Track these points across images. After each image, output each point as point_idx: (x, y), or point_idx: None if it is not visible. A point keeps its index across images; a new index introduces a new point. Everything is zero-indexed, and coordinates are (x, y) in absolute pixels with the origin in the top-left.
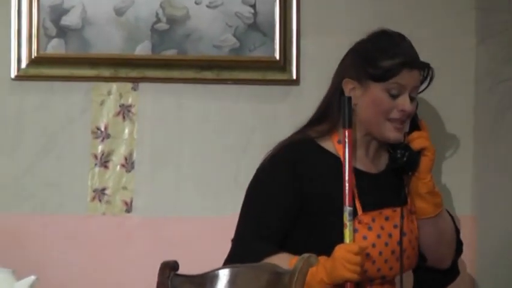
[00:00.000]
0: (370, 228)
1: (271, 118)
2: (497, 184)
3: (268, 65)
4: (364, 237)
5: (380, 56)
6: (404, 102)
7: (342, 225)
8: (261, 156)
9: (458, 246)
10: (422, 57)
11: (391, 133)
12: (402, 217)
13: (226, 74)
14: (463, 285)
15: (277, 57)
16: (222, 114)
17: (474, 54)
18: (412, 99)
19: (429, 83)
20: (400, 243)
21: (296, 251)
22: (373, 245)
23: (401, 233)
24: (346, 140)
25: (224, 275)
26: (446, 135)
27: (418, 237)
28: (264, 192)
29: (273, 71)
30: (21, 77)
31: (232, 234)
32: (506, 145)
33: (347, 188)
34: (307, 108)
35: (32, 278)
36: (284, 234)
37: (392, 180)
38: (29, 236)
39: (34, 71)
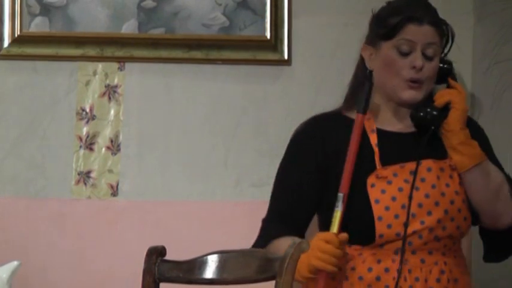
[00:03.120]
0: (389, 183)
1: (262, 99)
2: None
3: (259, 44)
4: (383, 191)
5: (388, 14)
6: (415, 58)
7: (363, 184)
8: (252, 139)
9: None
10: None
11: (405, 92)
12: (417, 167)
13: (215, 54)
14: None
15: (268, 36)
16: (211, 95)
17: (471, 34)
18: (429, 58)
19: (450, 42)
20: (410, 197)
21: (325, 222)
22: (393, 198)
23: (413, 184)
24: (356, 125)
25: (213, 261)
26: None
27: (466, 194)
28: (286, 169)
29: (264, 51)
30: (3, 56)
31: (221, 219)
32: (503, 126)
33: (347, 174)
34: (299, 89)
35: (15, 263)
36: (306, 210)
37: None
38: (11, 219)
39: (17, 50)
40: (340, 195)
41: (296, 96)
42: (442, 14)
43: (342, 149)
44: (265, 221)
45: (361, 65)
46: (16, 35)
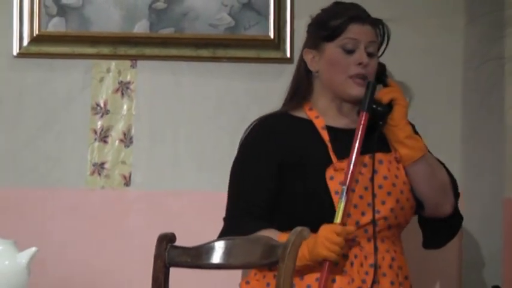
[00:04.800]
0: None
1: (265, 96)
2: (485, 162)
3: (263, 43)
4: (341, 183)
5: (329, 17)
6: (360, 55)
7: (322, 177)
8: None
9: (455, 190)
10: (412, 37)
11: (354, 88)
12: (373, 160)
13: (221, 52)
14: (450, 255)
15: (272, 35)
16: (217, 92)
17: (463, 33)
18: (371, 55)
19: (387, 40)
20: (372, 180)
21: (288, 215)
22: (352, 190)
23: (373, 174)
24: (362, 123)
25: (219, 247)
26: (434, 114)
27: (411, 185)
28: (246, 167)
29: (268, 50)
30: (22, 54)
31: None
32: (493, 123)
33: (351, 168)
34: None
35: (33, 249)
36: (272, 205)
37: (371, 133)
38: (29, 209)
39: (35, 48)
40: (344, 188)
41: None
42: (434, 14)
43: (300, 148)
44: (236, 218)
45: (303, 68)
46: (34, 35)
